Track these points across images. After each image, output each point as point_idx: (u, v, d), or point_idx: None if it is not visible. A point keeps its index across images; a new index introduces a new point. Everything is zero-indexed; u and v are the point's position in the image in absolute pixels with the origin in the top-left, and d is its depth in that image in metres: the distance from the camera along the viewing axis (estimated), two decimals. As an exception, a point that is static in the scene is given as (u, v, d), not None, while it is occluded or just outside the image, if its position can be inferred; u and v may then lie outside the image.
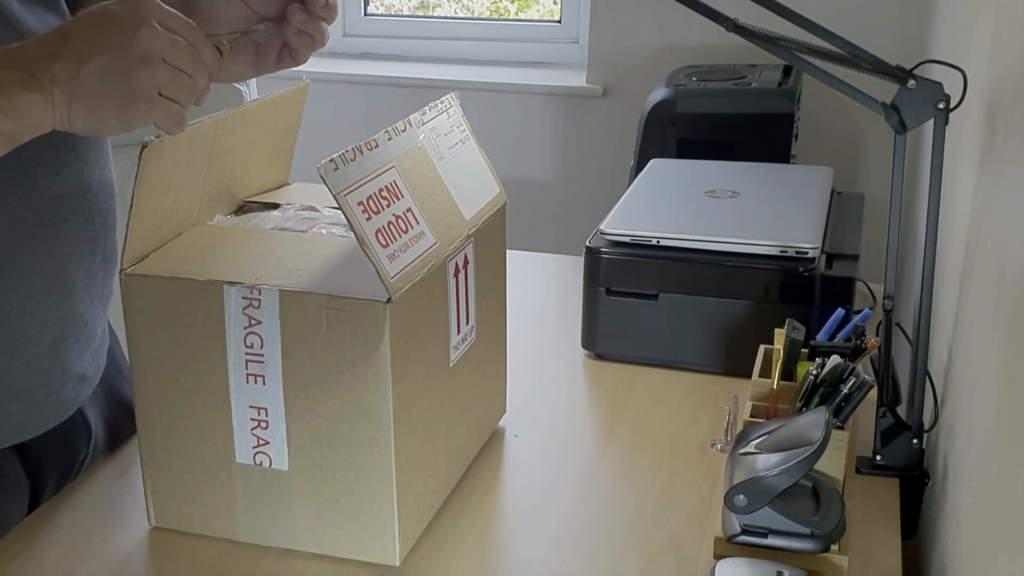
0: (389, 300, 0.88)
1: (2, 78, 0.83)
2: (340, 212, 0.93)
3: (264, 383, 0.94)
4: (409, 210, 0.96)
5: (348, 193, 0.89)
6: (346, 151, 0.91)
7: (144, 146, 0.92)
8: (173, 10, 0.87)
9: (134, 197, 0.93)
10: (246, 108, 1.05)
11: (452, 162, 1.06)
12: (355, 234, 0.88)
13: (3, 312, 0.98)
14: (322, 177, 0.88)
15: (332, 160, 0.89)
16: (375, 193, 0.93)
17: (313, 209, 1.10)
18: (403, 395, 0.93)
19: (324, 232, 1.03)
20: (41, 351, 1.02)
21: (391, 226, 0.93)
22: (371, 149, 0.94)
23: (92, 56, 0.84)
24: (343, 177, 0.90)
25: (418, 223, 0.96)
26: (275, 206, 1.11)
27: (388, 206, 0.93)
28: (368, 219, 0.90)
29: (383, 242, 0.90)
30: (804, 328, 1.17)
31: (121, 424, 1.17)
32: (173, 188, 0.98)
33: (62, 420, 1.07)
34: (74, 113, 0.85)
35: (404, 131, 1.00)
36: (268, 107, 1.10)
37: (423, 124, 1.03)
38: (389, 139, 0.97)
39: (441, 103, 1.08)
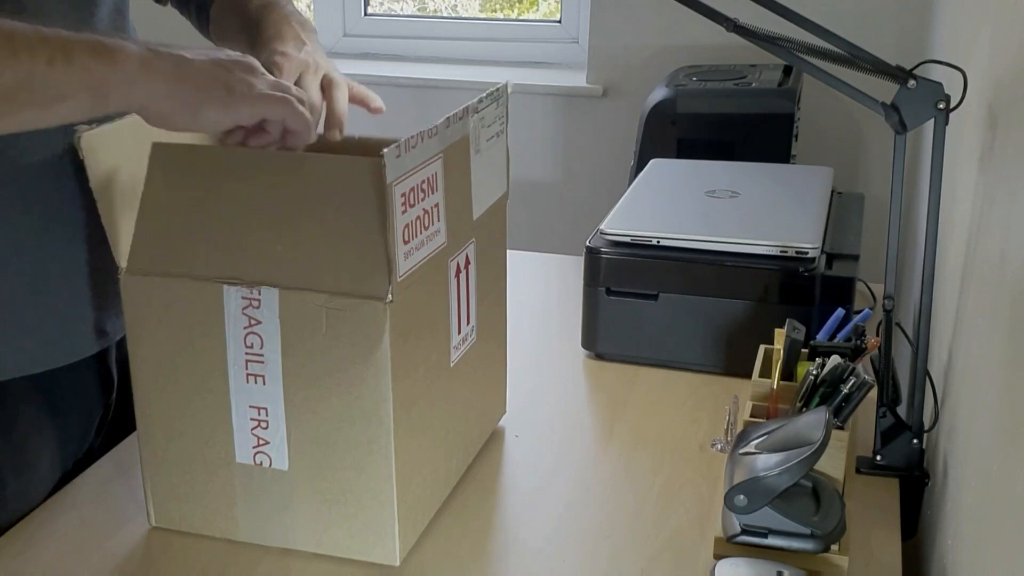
0: (390, 300, 0.88)
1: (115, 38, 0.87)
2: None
3: (264, 383, 0.94)
4: (436, 206, 0.94)
5: (398, 183, 0.87)
6: (411, 138, 0.88)
7: (77, 135, 0.92)
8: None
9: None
10: None
11: (484, 156, 1.03)
12: (385, 223, 0.86)
13: (21, 247, 1.03)
14: (385, 163, 0.84)
15: (397, 146, 0.86)
16: (417, 185, 0.90)
17: None
18: (403, 395, 0.93)
19: None
20: (58, 295, 1.07)
21: (417, 221, 0.91)
22: (431, 136, 0.91)
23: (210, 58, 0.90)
24: (400, 165, 0.87)
25: (439, 221, 0.95)
26: None
27: (422, 200, 0.91)
28: (404, 212, 0.88)
29: (406, 238, 0.89)
30: (804, 328, 1.17)
31: None
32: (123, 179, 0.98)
33: (75, 360, 1.10)
34: (174, 89, 0.87)
35: (461, 119, 0.97)
36: None
37: (476, 112, 1.00)
38: (448, 127, 0.95)
39: (496, 91, 1.05)
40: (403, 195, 0.88)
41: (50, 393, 1.12)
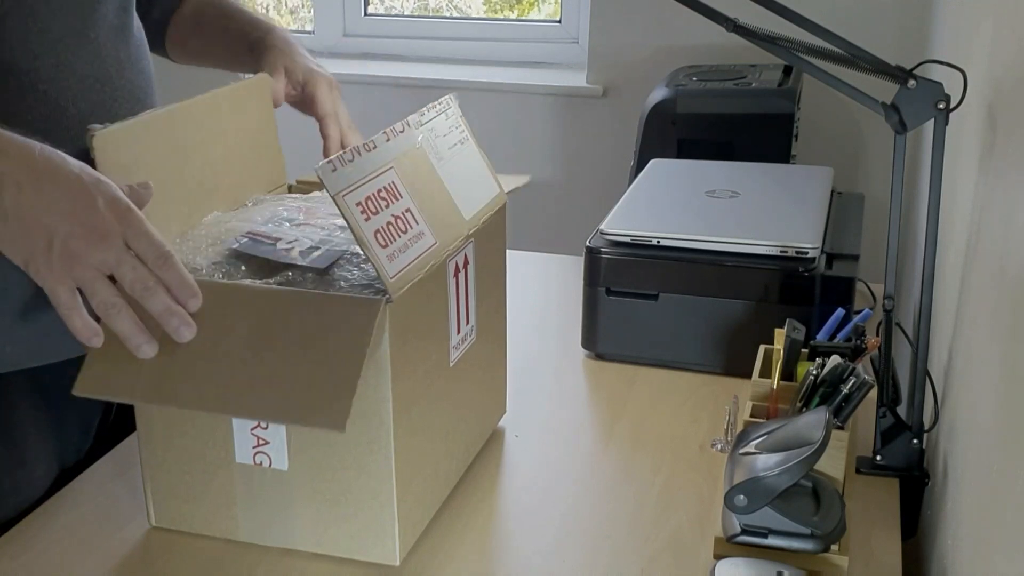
0: (389, 300, 0.88)
1: None
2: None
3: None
4: (408, 210, 0.96)
5: (347, 194, 0.89)
6: (344, 152, 0.91)
7: (90, 134, 0.92)
8: (156, 247, 0.87)
9: None
10: (201, 99, 1.06)
11: (452, 163, 1.06)
12: (354, 235, 0.88)
13: None
14: (320, 178, 0.88)
15: (330, 161, 0.89)
16: (373, 194, 0.92)
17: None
18: (403, 395, 0.93)
19: (322, 224, 1.03)
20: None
21: (390, 227, 0.92)
22: (369, 150, 0.94)
23: (44, 213, 0.85)
24: (341, 178, 0.90)
25: (417, 223, 0.96)
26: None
27: (387, 207, 0.93)
28: (367, 219, 0.90)
29: (382, 242, 0.90)
30: (804, 328, 1.17)
31: None
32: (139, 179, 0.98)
33: (73, 355, 1.08)
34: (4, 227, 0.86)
35: (402, 132, 1.00)
36: (228, 98, 1.10)
37: (421, 125, 1.03)
38: (388, 140, 0.97)
39: (440, 104, 1.08)
40: (359, 204, 0.90)
41: (48, 389, 1.12)
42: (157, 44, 1.32)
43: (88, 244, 0.85)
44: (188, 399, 0.91)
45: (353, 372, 0.86)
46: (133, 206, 0.88)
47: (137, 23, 1.18)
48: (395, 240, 0.92)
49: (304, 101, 1.23)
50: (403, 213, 0.95)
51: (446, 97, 1.10)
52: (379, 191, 0.93)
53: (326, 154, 1.15)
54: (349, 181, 0.90)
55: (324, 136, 1.21)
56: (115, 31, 1.11)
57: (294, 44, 1.25)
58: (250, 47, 1.23)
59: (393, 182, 0.96)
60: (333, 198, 0.88)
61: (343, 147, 1.17)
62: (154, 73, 1.22)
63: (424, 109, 1.05)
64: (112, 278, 0.88)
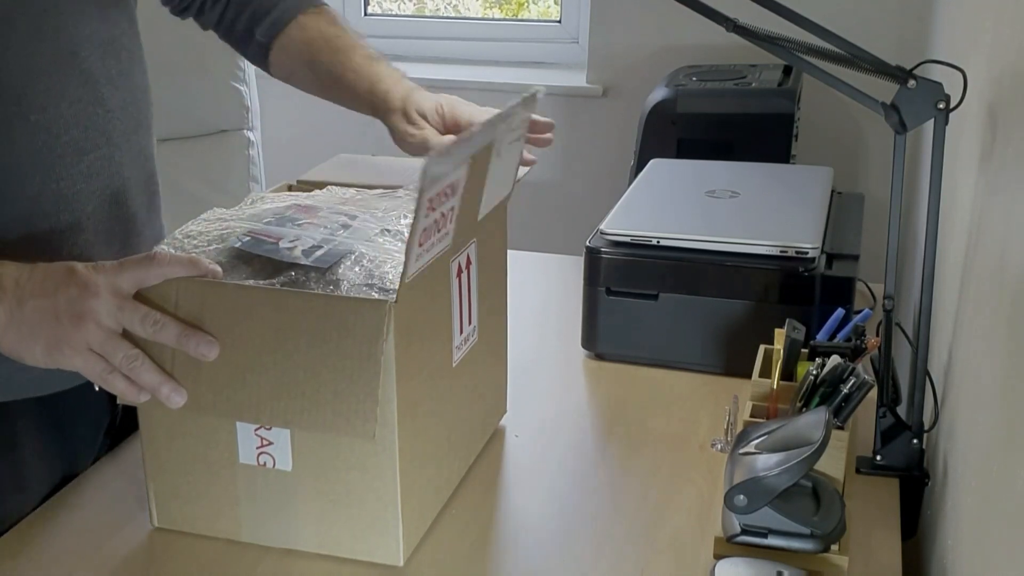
0: (394, 300, 0.88)
1: None
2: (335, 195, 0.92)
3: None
4: (451, 209, 0.93)
5: (431, 188, 0.85)
6: (460, 141, 0.88)
7: None
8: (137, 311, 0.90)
9: None
10: None
11: (502, 159, 1.01)
12: (411, 230, 0.85)
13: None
14: (425, 163, 0.81)
15: (441, 153, 0.84)
16: (443, 189, 0.88)
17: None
18: (407, 396, 0.93)
19: (324, 223, 1.03)
20: None
21: (434, 224, 0.90)
22: (470, 139, 0.90)
23: (42, 295, 0.90)
24: (440, 171, 0.85)
25: (449, 224, 0.94)
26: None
27: (442, 203, 0.90)
28: (427, 216, 0.87)
29: (421, 241, 0.89)
30: (804, 328, 1.17)
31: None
32: None
33: (81, 383, 1.09)
34: (7, 334, 0.91)
35: (498, 125, 0.94)
36: None
37: (508, 118, 0.97)
38: (486, 133, 0.92)
39: (530, 97, 1.00)
40: (431, 199, 0.87)
41: (55, 413, 1.12)
42: (260, 62, 1.31)
43: (86, 301, 0.89)
44: (215, 406, 0.92)
45: (373, 379, 0.87)
46: (102, 262, 0.91)
47: (128, 36, 1.13)
48: (429, 239, 0.91)
49: (453, 124, 1.22)
50: (448, 211, 0.92)
51: (537, 90, 1.01)
52: (447, 187, 0.89)
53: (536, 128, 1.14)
54: (441, 175, 0.86)
55: None
56: (103, 46, 1.08)
57: (409, 86, 1.24)
58: (371, 106, 1.22)
59: (460, 179, 0.91)
60: (419, 190, 0.82)
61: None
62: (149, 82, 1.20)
63: (517, 101, 0.97)
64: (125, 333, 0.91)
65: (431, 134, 1.17)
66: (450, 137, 1.15)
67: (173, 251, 0.97)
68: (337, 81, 1.23)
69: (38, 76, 1.01)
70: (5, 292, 0.90)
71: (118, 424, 1.20)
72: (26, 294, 0.90)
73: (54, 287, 0.90)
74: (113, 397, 1.16)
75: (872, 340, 1.12)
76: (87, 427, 1.17)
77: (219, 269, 0.92)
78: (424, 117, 1.18)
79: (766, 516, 0.95)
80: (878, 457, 1.11)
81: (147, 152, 1.14)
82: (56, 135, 1.02)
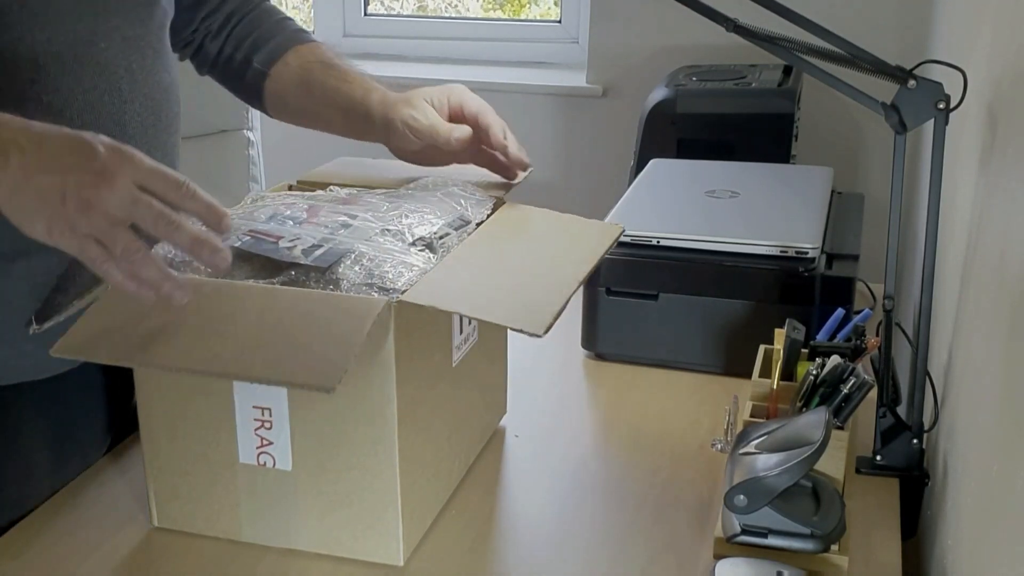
0: (395, 299, 0.88)
1: None
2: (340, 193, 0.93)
3: (268, 385, 0.93)
4: None
5: None
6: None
7: None
8: (164, 176, 0.86)
9: None
10: None
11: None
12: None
13: (27, 249, 1.00)
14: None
15: None
16: None
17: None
18: (408, 395, 0.93)
19: (324, 222, 1.03)
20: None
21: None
22: None
23: (51, 171, 0.84)
24: None
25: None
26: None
27: None
28: None
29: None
30: (804, 328, 1.17)
31: None
32: None
33: (76, 366, 1.10)
34: (11, 201, 0.86)
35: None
36: None
37: None
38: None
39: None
40: None
41: (57, 399, 1.12)
42: (255, 93, 1.31)
43: (99, 190, 0.84)
44: (176, 361, 0.89)
45: (354, 341, 0.85)
46: (137, 152, 0.86)
47: (157, 35, 1.15)
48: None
49: (459, 115, 1.20)
50: None
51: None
52: None
53: (494, 139, 1.15)
54: None
55: (496, 142, 1.18)
56: (127, 42, 1.10)
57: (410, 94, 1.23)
58: (365, 115, 1.20)
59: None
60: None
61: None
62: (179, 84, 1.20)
63: None
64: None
65: (437, 121, 1.15)
66: (460, 127, 1.14)
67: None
68: (331, 93, 1.22)
69: (53, 59, 1.02)
70: (9, 164, 0.85)
71: (119, 422, 1.21)
72: (33, 168, 0.85)
73: (66, 166, 0.85)
74: (114, 383, 1.17)
75: (872, 340, 1.12)
76: (91, 417, 1.17)
77: (228, 257, 0.88)
78: (431, 104, 1.17)
79: (766, 516, 0.95)
80: (878, 457, 1.11)
81: (166, 148, 1.16)
82: (69, 117, 1.03)
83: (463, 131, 1.14)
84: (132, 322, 0.91)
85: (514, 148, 1.17)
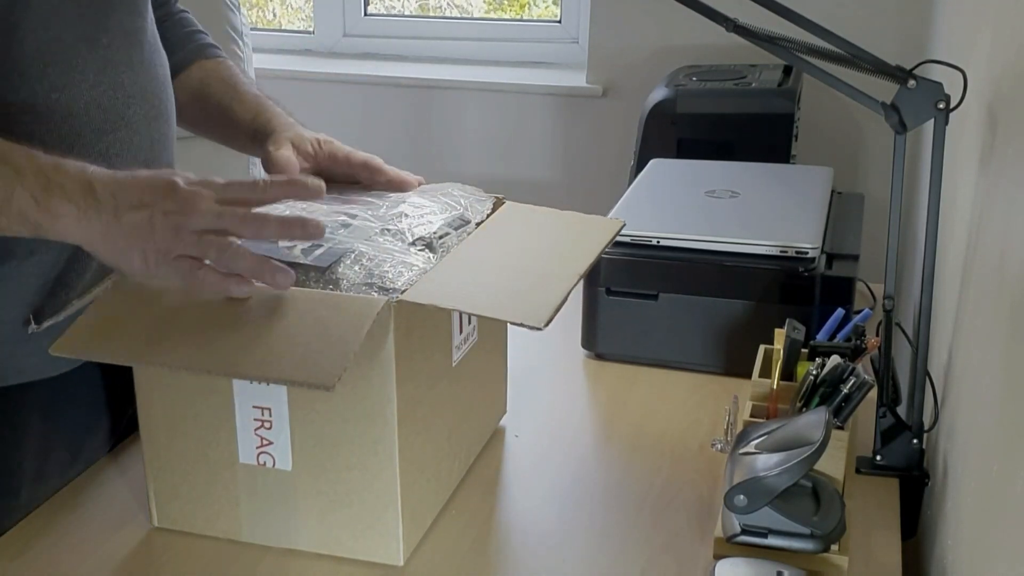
0: (395, 298, 0.88)
1: (59, 180, 0.91)
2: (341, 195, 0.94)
3: (267, 383, 0.94)
4: None
5: None
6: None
7: None
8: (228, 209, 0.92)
9: None
10: None
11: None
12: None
13: (32, 249, 1.04)
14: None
15: None
16: None
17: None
18: (408, 395, 0.93)
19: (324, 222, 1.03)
20: (70, 296, 1.06)
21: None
22: None
23: (139, 207, 0.90)
24: None
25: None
26: None
27: None
28: None
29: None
30: (804, 328, 1.17)
31: None
32: None
33: (76, 366, 1.11)
34: (104, 243, 0.91)
35: None
36: None
37: None
38: None
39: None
40: None
41: (58, 400, 1.12)
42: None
43: (185, 215, 0.90)
44: (175, 360, 0.90)
45: (353, 340, 0.86)
46: (210, 177, 0.93)
47: (151, 27, 1.17)
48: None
49: (328, 159, 1.21)
50: None
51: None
52: None
53: (399, 182, 1.16)
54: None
55: (380, 170, 1.18)
56: (127, 36, 1.11)
57: (293, 124, 1.25)
58: (252, 135, 1.22)
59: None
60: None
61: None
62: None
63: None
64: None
65: (294, 157, 1.17)
66: (312, 179, 1.13)
67: None
68: (224, 112, 1.25)
69: (59, 57, 1.03)
70: (102, 205, 0.91)
71: (122, 419, 1.21)
72: (123, 206, 0.91)
73: (152, 200, 0.91)
74: (115, 384, 1.17)
75: (872, 340, 1.12)
76: (97, 416, 1.17)
77: (322, 186, 0.97)
78: (297, 148, 1.18)
79: (766, 516, 0.95)
80: (878, 457, 1.11)
81: (165, 140, 1.17)
82: (76, 114, 1.04)
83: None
84: (132, 321, 0.92)
85: (397, 172, 1.18)
